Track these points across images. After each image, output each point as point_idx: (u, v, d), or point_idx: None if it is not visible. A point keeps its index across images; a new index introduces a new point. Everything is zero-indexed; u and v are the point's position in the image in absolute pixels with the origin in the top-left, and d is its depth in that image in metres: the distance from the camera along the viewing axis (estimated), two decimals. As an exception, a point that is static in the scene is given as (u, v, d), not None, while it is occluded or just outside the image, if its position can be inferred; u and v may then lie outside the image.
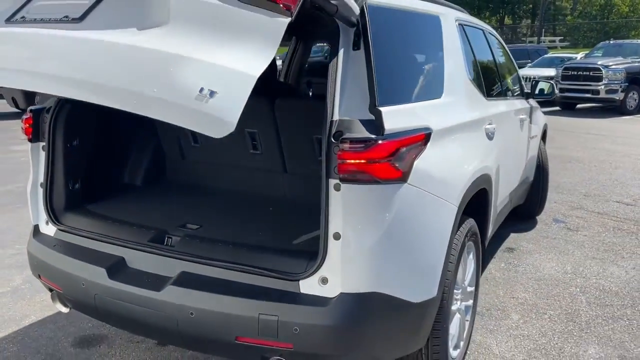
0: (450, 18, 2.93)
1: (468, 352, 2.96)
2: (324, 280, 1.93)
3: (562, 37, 34.65)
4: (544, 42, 30.38)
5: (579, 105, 15.61)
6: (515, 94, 4.29)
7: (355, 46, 1.98)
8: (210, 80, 1.57)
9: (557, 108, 15.38)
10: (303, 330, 1.90)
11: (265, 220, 2.56)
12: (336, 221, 1.89)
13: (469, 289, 2.86)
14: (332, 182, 1.87)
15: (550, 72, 16.01)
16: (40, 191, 2.53)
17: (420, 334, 2.24)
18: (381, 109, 1.89)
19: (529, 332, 3.20)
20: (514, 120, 3.78)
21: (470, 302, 2.92)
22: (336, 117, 1.89)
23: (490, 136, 2.99)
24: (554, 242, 4.71)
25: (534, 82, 4.57)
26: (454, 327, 2.64)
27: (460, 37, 3.00)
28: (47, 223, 2.52)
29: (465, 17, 3.39)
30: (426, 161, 2.10)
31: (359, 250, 1.90)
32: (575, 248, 4.56)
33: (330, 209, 1.89)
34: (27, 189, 2.56)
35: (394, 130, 1.94)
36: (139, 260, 2.23)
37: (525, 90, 4.55)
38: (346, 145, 1.85)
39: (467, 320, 2.89)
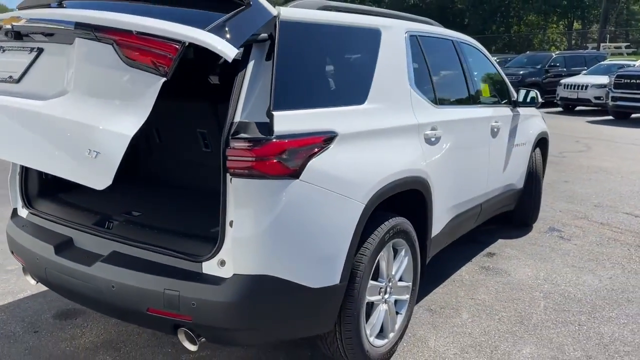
0: (397, 31, 3.13)
1: (405, 345, 3.14)
2: (222, 263, 2.20)
3: (628, 44, 33.08)
4: (607, 48, 29.14)
5: (633, 115, 15.03)
6: (495, 102, 4.40)
7: (268, 57, 2.25)
8: (95, 143, 2.00)
9: (610, 117, 14.90)
10: (200, 305, 2.18)
11: (193, 209, 2.83)
12: (231, 210, 2.16)
13: (402, 283, 3.04)
14: (228, 176, 2.15)
15: (604, 80, 15.52)
16: (18, 179, 2.94)
17: (323, 318, 2.47)
18: (276, 113, 2.14)
19: (471, 331, 3.34)
20: (480, 127, 3.90)
21: (406, 296, 3.10)
22: (237, 119, 2.16)
23: (431, 142, 3.15)
24: (539, 250, 4.75)
25: (519, 90, 4.64)
26: (376, 317, 2.84)
27: (409, 48, 3.19)
28: (22, 207, 2.92)
29: (426, 28, 3.57)
30: (327, 161, 2.33)
31: (249, 237, 2.16)
32: (559, 256, 4.59)
33: (226, 199, 2.16)
34: (8, 176, 2.98)
35: (287, 132, 2.19)
36: (84, 240, 2.59)
37: (513, 99, 4.62)
38: (238, 144, 2.12)
39: (400, 314, 3.07)
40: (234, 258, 2.17)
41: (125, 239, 2.47)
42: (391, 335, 2.99)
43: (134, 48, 2.06)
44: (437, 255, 4.40)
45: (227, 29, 2.08)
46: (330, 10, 2.79)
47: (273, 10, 2.31)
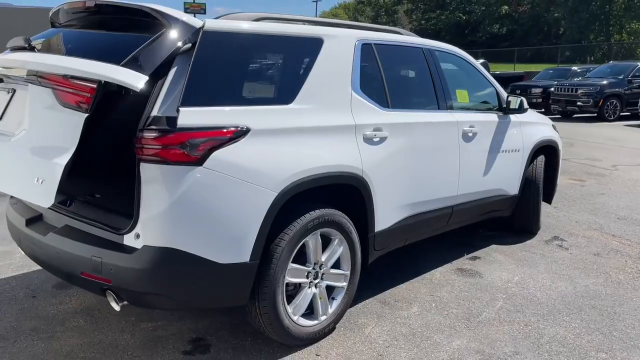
0: (343, 39, 3.41)
1: (341, 330, 3.38)
2: (137, 236, 2.60)
3: None
4: None
5: None
6: (474, 107, 4.53)
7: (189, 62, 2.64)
8: (41, 173, 2.60)
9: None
10: (116, 270, 2.59)
11: (129, 192, 3.17)
12: (142, 191, 2.55)
13: (337, 271, 3.29)
14: (140, 161, 2.54)
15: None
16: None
17: (235, 292, 2.79)
18: (183, 108, 2.53)
19: (413, 322, 3.51)
20: (447, 131, 4.03)
21: (342, 284, 3.34)
22: (152, 114, 2.56)
23: (373, 142, 3.38)
24: (528, 256, 4.76)
25: (508, 97, 4.70)
26: (301, 298, 3.11)
27: (359, 55, 3.45)
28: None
29: (386, 37, 3.81)
30: (235, 152, 2.66)
31: (155, 215, 2.54)
32: (546, 263, 4.59)
33: (139, 182, 2.56)
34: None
35: (192, 125, 2.55)
36: (50, 215, 3.09)
37: (504, 106, 4.70)
38: (147, 134, 2.51)
39: (336, 299, 3.32)
40: (143, 232, 2.56)
41: (75, 215, 2.93)
42: (323, 318, 3.25)
43: (64, 91, 2.59)
44: (417, 254, 4.62)
45: (141, 58, 2.54)
46: (268, 21, 3.13)
47: (197, 23, 2.71)
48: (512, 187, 4.90)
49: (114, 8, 2.93)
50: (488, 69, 19.00)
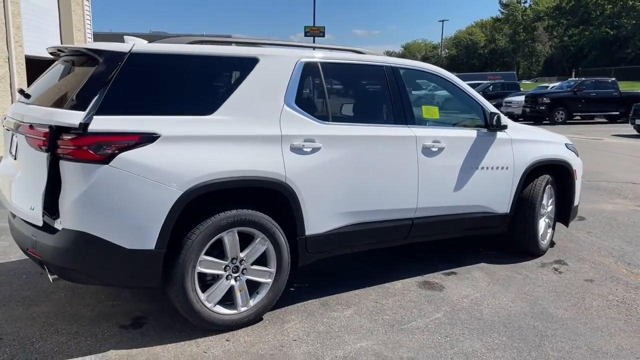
0: (281, 59, 3.76)
1: (265, 322, 3.69)
2: (61, 222, 3.17)
3: None
4: None
5: None
6: (443, 123, 4.60)
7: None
8: (31, 202, 3.22)
9: None
10: (43, 247, 3.19)
11: None
12: (61, 182, 3.12)
13: (259, 267, 3.62)
14: (59, 158, 3.11)
15: None
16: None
17: (144, 274, 3.25)
18: (96, 117, 3.07)
19: (336, 323, 3.71)
20: (399, 145, 4.15)
21: (267, 280, 3.66)
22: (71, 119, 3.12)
23: (302, 152, 3.67)
24: (509, 277, 4.67)
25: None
26: (217, 288, 3.48)
27: (299, 73, 3.78)
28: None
29: (336, 56, 4.08)
30: (143, 154, 3.14)
31: (69, 203, 3.09)
32: (521, 285, 4.48)
33: (59, 174, 3.12)
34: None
35: (102, 130, 3.08)
36: None
37: (492, 123, 4.69)
38: (64, 136, 3.07)
39: (259, 294, 3.65)
40: (62, 217, 3.13)
41: None
42: (243, 309, 3.59)
43: (30, 137, 3.25)
44: (395, 263, 4.79)
45: (81, 97, 3.12)
46: (202, 43, 3.60)
47: (125, 48, 3.27)
48: (500, 204, 4.83)
49: (71, 52, 3.55)
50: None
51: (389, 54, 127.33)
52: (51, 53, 3.75)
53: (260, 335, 3.52)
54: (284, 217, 3.70)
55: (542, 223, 5.23)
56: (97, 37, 18.76)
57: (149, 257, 3.22)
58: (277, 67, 3.75)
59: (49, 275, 3.32)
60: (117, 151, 3.11)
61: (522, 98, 25.09)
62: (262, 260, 3.67)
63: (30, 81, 11.73)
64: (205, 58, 3.55)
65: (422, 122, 4.45)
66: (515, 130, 4.98)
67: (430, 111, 4.61)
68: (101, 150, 3.08)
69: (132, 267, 3.24)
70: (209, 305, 3.47)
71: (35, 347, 3.33)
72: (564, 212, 5.49)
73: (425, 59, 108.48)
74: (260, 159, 3.53)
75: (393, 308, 3.98)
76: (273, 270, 3.69)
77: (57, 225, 3.19)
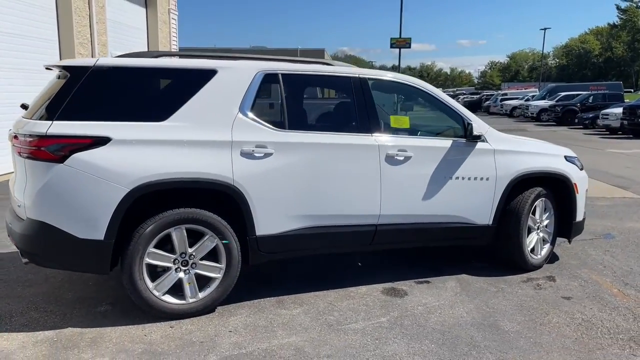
0: (239, 70, 4.06)
1: (215, 314, 3.98)
2: (25, 212, 3.68)
3: None
4: None
5: None
6: (413, 132, 4.69)
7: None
8: (20, 200, 3.72)
9: None
10: (15, 234, 3.71)
11: None
12: (26, 179, 3.63)
13: (208, 263, 3.93)
14: (23, 157, 3.62)
15: None
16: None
17: (95, 261, 3.67)
18: (55, 122, 3.55)
19: (278, 319, 3.93)
20: (360, 152, 4.28)
21: (216, 275, 3.95)
22: (37, 124, 3.62)
23: (253, 156, 3.93)
24: (482, 289, 4.61)
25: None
26: (165, 279, 3.83)
27: (257, 83, 4.07)
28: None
29: (299, 68, 4.31)
30: (94, 155, 3.57)
31: (29, 196, 3.59)
32: (488, 298, 4.41)
33: (24, 170, 3.63)
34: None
35: (59, 134, 3.54)
36: None
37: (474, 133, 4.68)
38: (26, 138, 3.57)
39: (209, 287, 3.95)
40: (26, 207, 3.63)
41: None
42: (191, 300, 3.91)
43: (14, 146, 3.80)
44: (372, 268, 5.01)
45: (50, 107, 3.63)
46: (167, 56, 3.99)
47: (90, 63, 3.74)
48: (479, 216, 4.78)
49: (57, 67, 4.05)
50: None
51: (494, 64, 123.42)
52: (46, 68, 4.32)
53: (202, 325, 3.82)
54: (234, 217, 3.98)
55: (534, 237, 5.09)
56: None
57: (98, 246, 3.63)
58: (235, 78, 4.05)
59: (22, 258, 3.83)
60: (70, 152, 3.56)
61: (620, 110, 23.47)
62: (213, 256, 3.97)
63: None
64: (162, 70, 3.95)
65: (390, 131, 4.54)
66: (500, 141, 4.91)
67: (399, 121, 4.68)
68: (57, 151, 3.54)
69: (84, 254, 3.67)
70: (157, 293, 3.83)
71: (12, 320, 3.86)
72: (565, 227, 5.29)
73: (532, 69, 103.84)
74: (208, 162, 3.84)
75: (342, 310, 4.12)
76: (223, 266, 3.98)
77: (24, 215, 3.70)
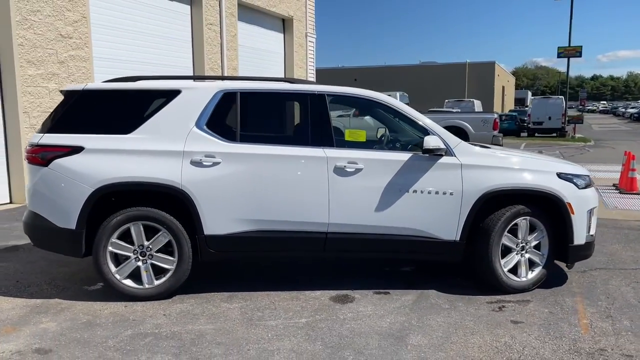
0: (201, 90, 4.68)
1: (171, 301, 4.62)
2: (27, 204, 4.72)
3: None
4: None
5: None
6: (366, 146, 4.84)
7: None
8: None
9: None
10: (23, 222, 4.78)
11: None
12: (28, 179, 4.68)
13: (161, 255, 4.58)
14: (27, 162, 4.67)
15: None
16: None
17: (72, 247, 4.55)
18: (45, 134, 4.55)
19: (211, 311, 4.41)
20: (308, 164, 4.54)
21: (171, 267, 4.58)
22: (37, 136, 4.65)
23: (202, 165, 4.50)
24: (434, 305, 4.56)
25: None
26: (126, 266, 4.58)
27: (215, 101, 4.66)
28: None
29: (258, 86, 4.77)
30: (70, 161, 4.48)
31: (28, 190, 4.62)
32: (429, 314, 4.36)
33: (28, 173, 4.68)
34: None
35: (47, 144, 4.53)
36: None
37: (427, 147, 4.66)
38: (28, 147, 4.62)
39: (163, 276, 4.61)
40: (27, 201, 4.67)
41: None
42: (148, 285, 4.60)
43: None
44: (346, 273, 5.31)
45: (47, 122, 4.66)
46: (146, 79, 4.79)
47: (80, 87, 4.69)
48: (444, 231, 4.71)
49: (61, 92, 5.06)
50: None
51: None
52: (60, 92, 5.38)
53: (149, 307, 4.48)
54: (186, 217, 4.59)
55: (514, 258, 4.82)
56: (320, 72, 21.33)
57: (72, 234, 4.52)
58: (195, 97, 4.68)
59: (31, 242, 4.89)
60: (53, 158, 4.51)
61: None
62: (169, 250, 4.62)
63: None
64: (133, 92, 4.73)
65: (343, 144, 4.75)
66: (472, 155, 4.77)
67: (354, 134, 4.83)
68: (44, 157, 4.52)
69: (62, 240, 4.58)
70: (118, 277, 4.59)
71: (25, 289, 4.93)
72: (562, 250, 4.90)
73: None
74: (160, 168, 4.51)
75: (277, 309, 4.45)
76: (175, 259, 4.61)
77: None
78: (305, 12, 17.57)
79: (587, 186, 4.96)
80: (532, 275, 4.89)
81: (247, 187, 4.58)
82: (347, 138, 4.84)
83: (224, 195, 4.56)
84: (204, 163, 4.55)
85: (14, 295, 4.80)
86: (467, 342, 3.84)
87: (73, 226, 4.50)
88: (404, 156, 4.70)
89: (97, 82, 4.96)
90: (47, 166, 4.54)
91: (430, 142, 4.60)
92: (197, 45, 13.11)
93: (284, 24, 17.16)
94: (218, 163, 4.55)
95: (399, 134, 5.08)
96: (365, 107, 5.02)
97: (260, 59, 15.99)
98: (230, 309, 4.47)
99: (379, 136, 5.23)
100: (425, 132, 4.78)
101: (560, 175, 4.84)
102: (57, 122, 4.62)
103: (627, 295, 4.78)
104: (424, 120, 4.85)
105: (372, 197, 4.66)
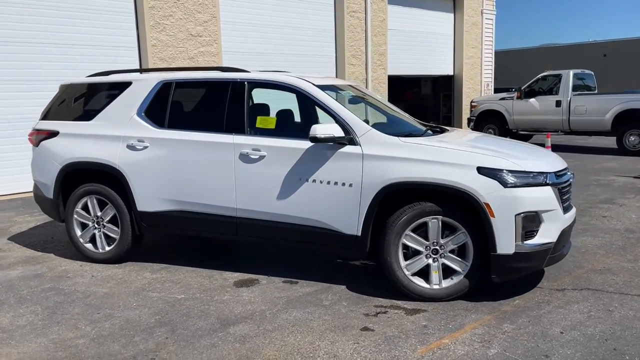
0: (145, 81, 5.22)
1: (132, 268, 5.34)
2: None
3: None
4: None
5: None
6: (273, 133, 4.74)
7: None
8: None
9: None
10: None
11: None
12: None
13: (110, 226, 5.31)
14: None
15: None
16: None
17: (54, 212, 5.58)
18: (40, 121, 5.67)
19: (162, 276, 4.98)
20: (217, 149, 4.73)
21: (116, 236, 5.29)
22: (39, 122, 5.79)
23: (134, 148, 5.07)
24: (313, 302, 4.38)
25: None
26: (85, 233, 5.44)
27: (154, 91, 5.17)
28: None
29: (190, 75, 5.10)
30: (50, 143, 5.50)
31: (31, 164, 5.79)
32: (285, 303, 4.25)
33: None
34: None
35: (39, 128, 5.63)
36: None
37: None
38: (30, 131, 5.78)
39: (113, 245, 5.34)
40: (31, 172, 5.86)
41: None
42: (101, 250, 5.40)
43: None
44: (278, 262, 5.46)
45: (43, 113, 5.82)
46: (117, 73, 5.55)
47: (68, 82, 5.70)
48: (344, 224, 4.40)
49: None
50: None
51: None
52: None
53: (95, 268, 5.27)
54: (125, 194, 5.22)
55: (423, 261, 4.27)
56: (498, 54, 19.47)
57: (51, 202, 5.56)
58: (141, 87, 5.25)
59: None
60: (41, 140, 5.58)
61: None
62: (115, 221, 5.33)
63: (390, 93, 14.45)
64: (97, 84, 5.51)
65: (252, 131, 4.77)
66: (380, 145, 4.32)
67: (265, 121, 4.75)
68: (36, 139, 5.63)
69: (48, 206, 5.65)
70: (82, 241, 5.47)
71: (50, 246, 6.17)
72: (486, 260, 4.17)
73: None
74: (104, 151, 5.23)
75: (206, 290, 4.66)
76: (118, 230, 5.30)
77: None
78: (483, -13, 16.44)
79: (525, 185, 4.08)
80: (449, 283, 4.26)
81: (169, 170, 4.99)
82: (257, 125, 4.85)
83: (150, 176, 5.06)
84: (136, 147, 5.10)
85: (39, 248, 6.08)
86: (284, 340, 3.68)
87: (51, 196, 5.52)
88: (306, 144, 4.54)
89: (80, 77, 5.87)
90: (37, 146, 5.64)
91: (317, 130, 4.34)
92: (339, 34, 13.50)
93: (455, 3, 16.34)
94: (147, 147, 5.06)
95: (313, 121, 4.86)
96: (288, 93, 4.87)
97: (420, 42, 15.60)
98: (152, 278, 4.96)
99: (293, 123, 5.08)
100: (335, 119, 4.52)
101: (481, 170, 4.09)
102: (48, 111, 5.69)
103: (554, 331, 3.84)
104: (335, 107, 4.57)
105: (275, 185, 4.63)
